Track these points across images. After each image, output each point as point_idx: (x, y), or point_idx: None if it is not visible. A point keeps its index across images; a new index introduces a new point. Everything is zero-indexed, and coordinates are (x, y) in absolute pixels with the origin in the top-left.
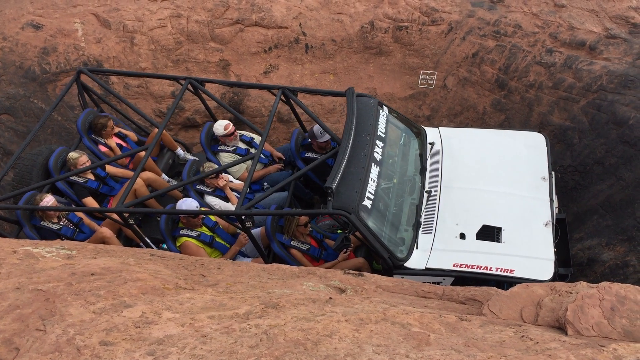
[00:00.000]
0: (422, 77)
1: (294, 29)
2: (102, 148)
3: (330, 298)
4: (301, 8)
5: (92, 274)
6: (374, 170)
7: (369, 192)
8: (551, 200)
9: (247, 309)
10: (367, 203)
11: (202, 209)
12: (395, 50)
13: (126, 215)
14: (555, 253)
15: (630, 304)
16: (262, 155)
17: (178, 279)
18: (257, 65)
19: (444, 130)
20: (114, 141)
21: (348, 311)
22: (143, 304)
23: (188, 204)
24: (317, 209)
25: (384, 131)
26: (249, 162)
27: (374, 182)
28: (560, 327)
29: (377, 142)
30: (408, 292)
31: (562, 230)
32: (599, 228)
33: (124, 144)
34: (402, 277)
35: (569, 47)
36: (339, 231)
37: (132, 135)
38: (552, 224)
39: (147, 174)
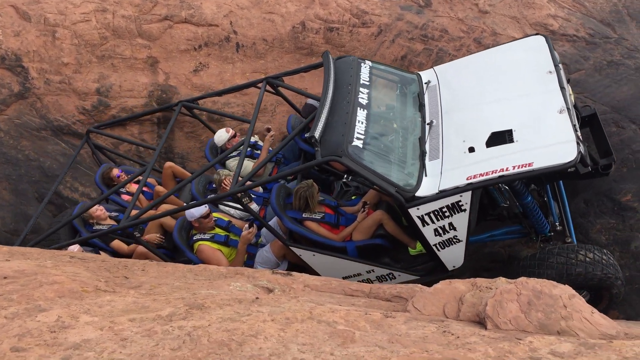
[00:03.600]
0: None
1: (225, 27)
2: (125, 197)
3: (257, 298)
4: (232, 6)
5: (5, 277)
6: (361, 114)
7: (358, 133)
8: (562, 88)
9: (170, 310)
10: (358, 143)
11: (215, 214)
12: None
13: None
14: (579, 136)
15: (545, 298)
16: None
17: (98, 281)
18: (186, 63)
19: (439, 67)
20: (134, 187)
21: (274, 311)
22: (59, 308)
23: (196, 208)
24: (308, 163)
25: (367, 79)
26: (249, 163)
27: (362, 123)
28: (481, 322)
29: (361, 89)
30: (336, 291)
31: (597, 124)
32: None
33: (146, 189)
34: (418, 209)
35: None
36: (353, 197)
37: (152, 181)
38: (569, 109)
39: (166, 206)
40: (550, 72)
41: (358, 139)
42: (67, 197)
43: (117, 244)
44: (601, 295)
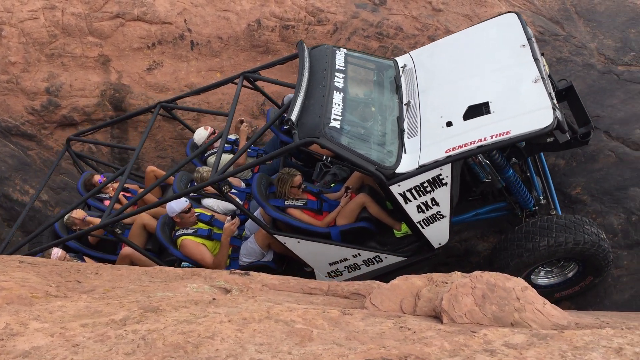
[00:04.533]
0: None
1: (179, 24)
2: (107, 202)
3: (214, 299)
4: (186, 4)
5: None
6: (337, 96)
7: (335, 114)
8: (536, 59)
9: (124, 314)
10: (335, 124)
11: (197, 209)
12: (283, 49)
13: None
14: (555, 103)
15: (499, 291)
16: (249, 150)
17: (49, 286)
18: (139, 62)
19: (414, 52)
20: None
21: (231, 311)
22: (7, 315)
23: (176, 200)
24: (288, 146)
25: (343, 65)
26: (228, 156)
27: (339, 105)
28: (437, 316)
29: (337, 74)
30: (294, 290)
31: (574, 96)
32: (475, 221)
33: (128, 194)
34: (399, 186)
35: None
36: (332, 185)
37: (135, 187)
38: (543, 78)
39: (152, 211)
40: (524, 45)
41: (335, 120)
42: (16, 200)
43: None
44: (590, 267)
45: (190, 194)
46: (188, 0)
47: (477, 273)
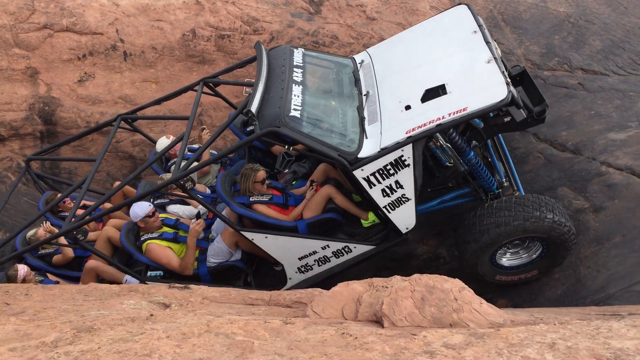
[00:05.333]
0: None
1: (111, 35)
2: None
3: (152, 315)
4: (117, 13)
5: None
6: (296, 89)
7: (295, 104)
8: (488, 42)
9: (56, 335)
10: (295, 113)
11: (162, 214)
12: (219, 58)
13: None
14: (509, 81)
15: (438, 293)
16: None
17: None
18: (70, 74)
19: (371, 48)
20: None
21: (170, 327)
22: None
23: (139, 205)
24: (249, 137)
25: (301, 62)
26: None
27: (298, 97)
28: (378, 321)
29: (295, 69)
30: (235, 301)
31: (527, 80)
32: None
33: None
34: (362, 170)
35: None
36: (294, 182)
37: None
38: (495, 58)
39: (115, 221)
40: (475, 31)
41: (295, 110)
42: None
43: (58, 258)
44: (553, 248)
45: (156, 202)
46: (120, 10)
47: (416, 276)
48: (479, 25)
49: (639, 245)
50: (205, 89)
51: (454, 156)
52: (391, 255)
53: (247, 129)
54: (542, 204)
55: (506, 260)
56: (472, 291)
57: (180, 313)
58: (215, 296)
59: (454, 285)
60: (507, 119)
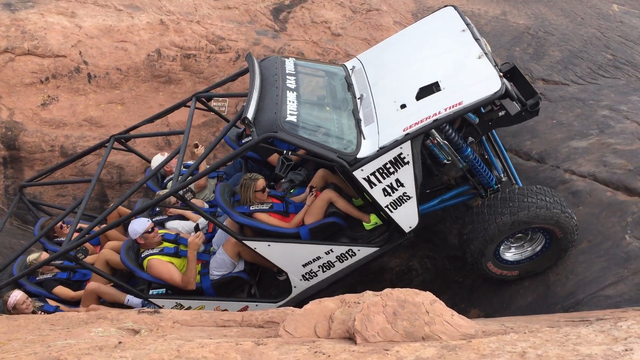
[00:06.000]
0: (214, 104)
1: (74, 57)
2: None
3: (120, 342)
4: (80, 35)
5: None
6: (291, 95)
7: (291, 110)
8: (477, 39)
9: None
10: (292, 118)
11: (161, 230)
12: (185, 78)
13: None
14: (501, 74)
15: (409, 307)
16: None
17: None
18: (32, 97)
19: (361, 55)
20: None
21: (138, 354)
22: None
23: (138, 221)
24: (247, 143)
25: (293, 70)
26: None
27: (293, 103)
28: (351, 337)
29: (288, 77)
30: (207, 324)
31: (518, 75)
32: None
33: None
34: (362, 170)
35: None
36: (292, 191)
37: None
38: (486, 53)
39: (112, 244)
40: (464, 30)
41: (291, 114)
42: None
43: (60, 290)
44: (555, 238)
45: (155, 219)
46: (82, 32)
47: (387, 291)
48: (467, 24)
49: (605, 250)
50: (198, 104)
51: (451, 153)
52: (364, 269)
53: (243, 141)
54: (545, 194)
55: (511, 255)
56: (444, 303)
57: (150, 339)
58: (186, 319)
59: (425, 299)
60: (501, 113)
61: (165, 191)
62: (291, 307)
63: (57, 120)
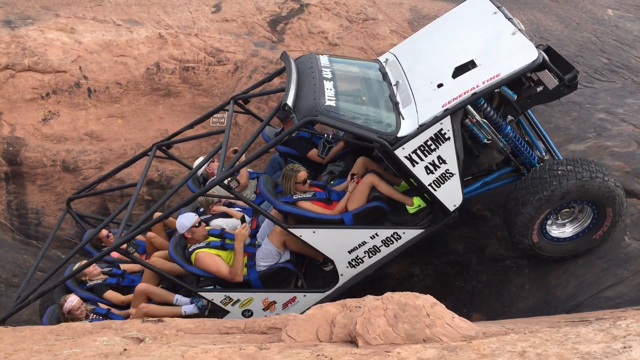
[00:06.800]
0: (213, 116)
1: (74, 72)
2: (114, 254)
3: (125, 349)
4: (80, 51)
5: None
6: (328, 84)
7: (329, 96)
8: (510, 19)
9: None
10: (331, 103)
11: (208, 227)
12: (184, 90)
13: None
14: (536, 47)
15: (410, 310)
16: (250, 171)
17: None
18: (34, 113)
19: (394, 48)
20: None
21: None
22: None
23: (186, 216)
24: (289, 129)
25: (328, 63)
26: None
27: (331, 90)
28: (353, 341)
29: (324, 69)
30: (210, 331)
31: (553, 53)
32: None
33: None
34: (403, 149)
35: None
36: (331, 182)
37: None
38: (520, 30)
39: (160, 253)
40: (495, 12)
41: (330, 100)
42: None
43: (111, 294)
44: (604, 210)
45: (201, 217)
46: (82, 48)
47: (388, 294)
48: (498, 7)
49: (604, 252)
50: (236, 107)
51: (491, 132)
52: (364, 277)
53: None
54: (581, 165)
55: (558, 232)
56: (444, 306)
57: (154, 346)
58: (189, 327)
59: (426, 302)
60: (539, 89)
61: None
62: (293, 313)
63: (58, 135)
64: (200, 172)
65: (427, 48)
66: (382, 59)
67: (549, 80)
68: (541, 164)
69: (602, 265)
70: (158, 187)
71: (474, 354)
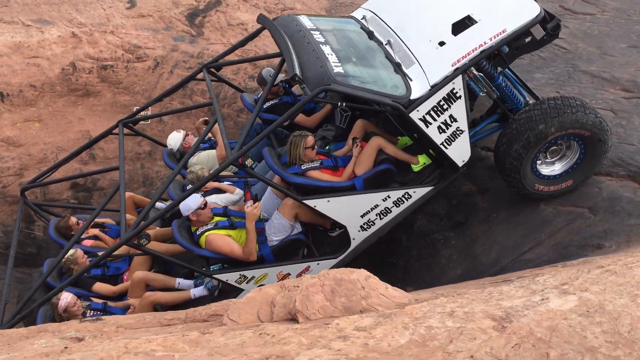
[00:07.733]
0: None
1: None
2: (87, 242)
3: (66, 347)
4: None
5: None
6: (325, 48)
7: (334, 62)
8: None
9: None
10: (339, 70)
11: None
12: (104, 89)
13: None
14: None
15: (346, 284)
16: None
17: None
18: None
19: (366, 4)
20: (94, 230)
21: (86, 355)
22: None
23: (191, 197)
24: (303, 99)
25: (313, 25)
26: (212, 151)
27: (332, 55)
28: (293, 318)
29: (312, 32)
30: (152, 324)
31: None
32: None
33: (105, 228)
34: (418, 111)
35: None
36: (327, 147)
37: (109, 220)
38: None
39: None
40: None
41: (336, 66)
42: None
43: (100, 286)
44: (591, 146)
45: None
46: None
47: (324, 271)
48: None
49: (523, 218)
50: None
51: (486, 85)
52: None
53: (265, 106)
54: (578, 102)
55: (546, 169)
56: (378, 278)
57: (95, 342)
58: (130, 323)
59: (360, 275)
60: (527, 39)
61: (197, 166)
62: (232, 299)
63: None
64: (176, 147)
65: (411, 3)
66: (357, 15)
67: (538, 31)
68: (526, 108)
69: (522, 231)
70: (84, 190)
71: (407, 318)
